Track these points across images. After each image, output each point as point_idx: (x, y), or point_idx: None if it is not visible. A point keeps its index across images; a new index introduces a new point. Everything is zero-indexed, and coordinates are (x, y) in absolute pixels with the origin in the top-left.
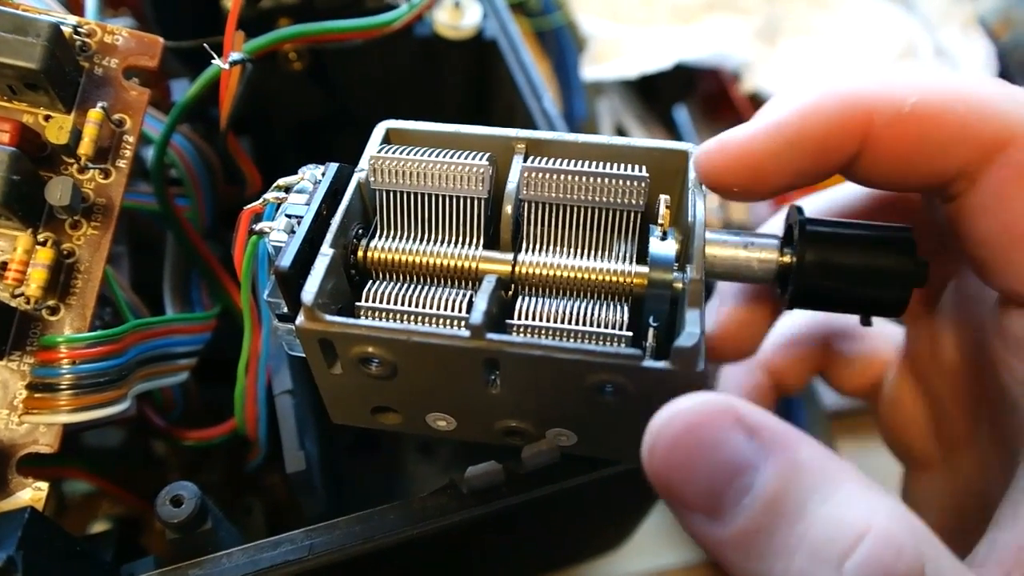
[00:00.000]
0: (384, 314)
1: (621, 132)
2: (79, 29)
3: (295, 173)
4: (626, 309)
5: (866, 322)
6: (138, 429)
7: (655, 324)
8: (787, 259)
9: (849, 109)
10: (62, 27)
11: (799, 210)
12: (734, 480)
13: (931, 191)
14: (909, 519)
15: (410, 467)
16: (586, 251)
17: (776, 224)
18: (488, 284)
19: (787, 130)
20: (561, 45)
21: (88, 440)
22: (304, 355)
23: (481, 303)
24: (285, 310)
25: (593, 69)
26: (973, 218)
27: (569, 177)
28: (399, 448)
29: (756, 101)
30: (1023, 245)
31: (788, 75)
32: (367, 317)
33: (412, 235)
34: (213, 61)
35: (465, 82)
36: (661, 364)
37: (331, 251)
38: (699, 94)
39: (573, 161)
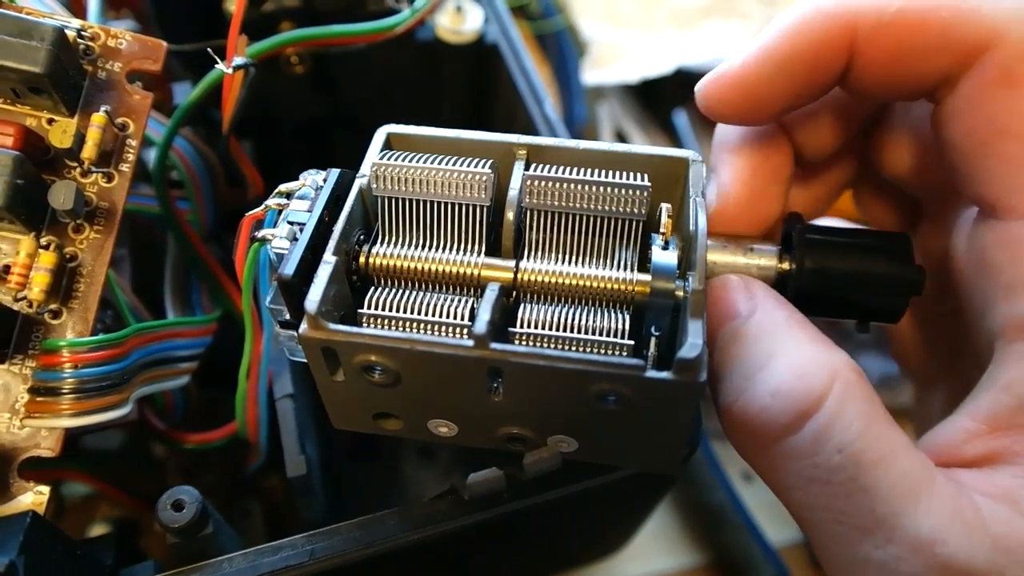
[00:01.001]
0: (386, 321)
1: (621, 136)
2: (83, 33)
3: (296, 179)
4: (627, 317)
5: (863, 329)
6: (138, 432)
7: (657, 333)
8: (786, 266)
9: (832, 22)
10: (66, 31)
11: (798, 217)
12: (724, 323)
13: (918, 97)
14: (832, 364)
15: (410, 471)
16: (588, 259)
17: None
18: (491, 293)
19: (776, 53)
20: (562, 49)
21: (88, 442)
22: (306, 360)
23: (485, 313)
24: (287, 317)
25: (594, 74)
26: (949, 123)
27: (571, 186)
28: (399, 452)
29: None
30: (992, 148)
31: None
32: (369, 324)
33: (414, 241)
34: (216, 66)
35: (466, 86)
36: (664, 375)
37: (334, 259)
38: None
39: (574, 169)
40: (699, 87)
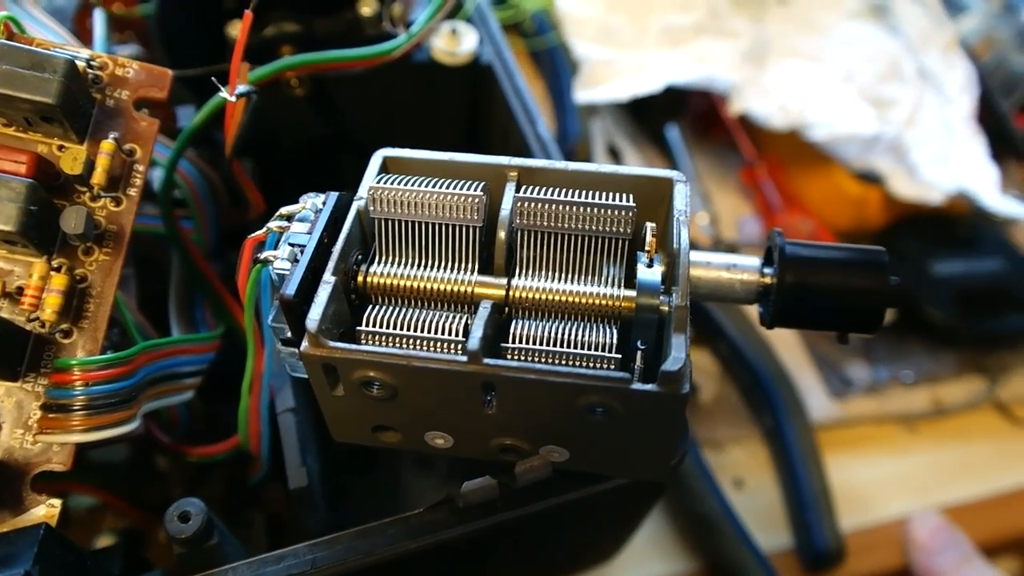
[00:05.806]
0: (384, 338)
1: (613, 151)
2: (92, 63)
3: (296, 199)
4: (615, 332)
5: (843, 340)
6: (143, 445)
7: (643, 347)
8: (768, 280)
9: None
10: (76, 61)
11: (779, 234)
12: None
13: None
14: None
15: (407, 480)
16: (577, 276)
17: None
18: (484, 311)
19: None
20: (555, 65)
21: (94, 455)
22: (307, 376)
23: (478, 330)
24: (289, 335)
25: (586, 93)
26: None
27: (560, 207)
28: (396, 461)
29: (745, 121)
30: None
31: (775, 96)
32: (367, 341)
33: (410, 261)
34: (220, 93)
35: (462, 106)
36: (649, 387)
37: (333, 279)
38: (690, 113)
39: (563, 190)
40: None
